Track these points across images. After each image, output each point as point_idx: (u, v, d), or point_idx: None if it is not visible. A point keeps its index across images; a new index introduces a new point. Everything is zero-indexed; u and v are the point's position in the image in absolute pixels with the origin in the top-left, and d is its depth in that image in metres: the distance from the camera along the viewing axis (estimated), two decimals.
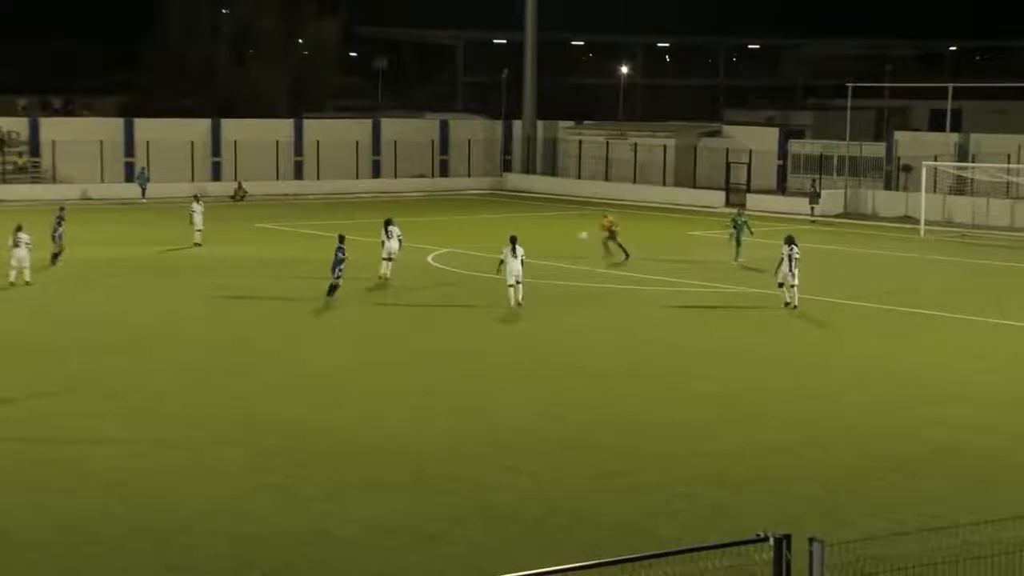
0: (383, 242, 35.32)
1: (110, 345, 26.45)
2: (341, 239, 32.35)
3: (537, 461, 18.44)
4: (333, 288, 31.79)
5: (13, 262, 33.76)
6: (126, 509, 16.15)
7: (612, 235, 40.94)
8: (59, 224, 37.75)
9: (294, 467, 18.01)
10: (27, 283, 33.67)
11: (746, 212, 44.01)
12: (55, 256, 37.20)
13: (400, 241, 35.56)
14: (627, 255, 40.23)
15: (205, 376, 23.70)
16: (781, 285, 31.75)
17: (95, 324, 28.91)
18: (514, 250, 31.11)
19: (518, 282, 31.09)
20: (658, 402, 22.23)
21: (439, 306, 32.47)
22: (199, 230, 42.88)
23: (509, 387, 23.24)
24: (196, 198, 44.79)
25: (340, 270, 31.74)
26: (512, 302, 31.10)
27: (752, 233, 41.25)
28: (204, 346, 26.48)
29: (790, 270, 31.27)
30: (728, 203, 62.36)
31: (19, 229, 33.97)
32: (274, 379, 23.50)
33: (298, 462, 18.27)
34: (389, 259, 35.20)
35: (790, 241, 31.78)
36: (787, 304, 31.44)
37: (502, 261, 31.34)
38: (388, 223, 35.66)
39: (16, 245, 33.73)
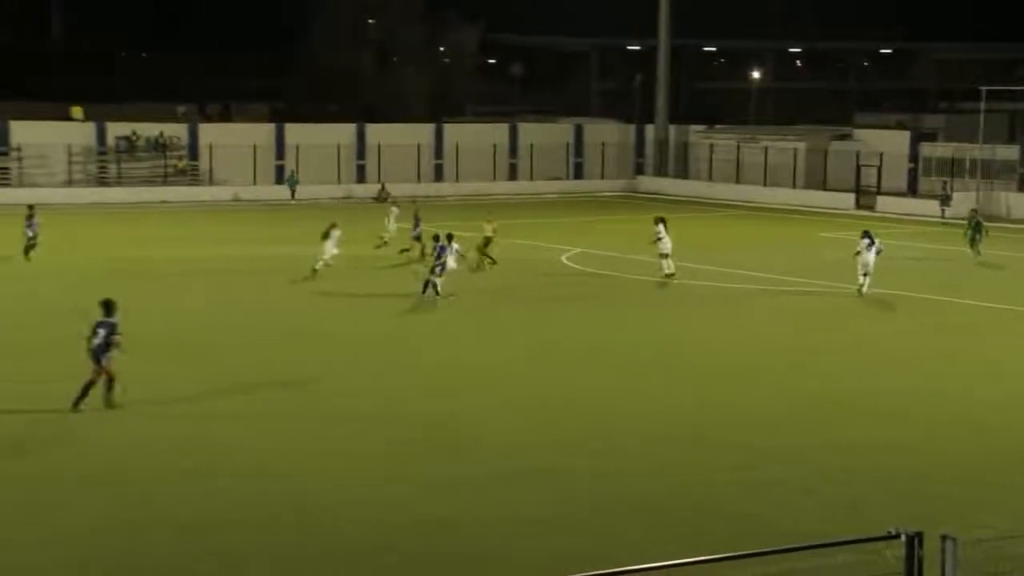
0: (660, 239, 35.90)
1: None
2: (449, 238, 32.68)
3: (665, 456, 18.32)
4: (430, 284, 31.72)
5: (325, 255, 35.26)
6: (277, 490, 16.47)
7: (487, 242, 38.09)
8: (417, 225, 39.65)
9: (433, 456, 18.18)
10: (327, 265, 35.27)
11: (979, 213, 43.36)
12: (421, 253, 38.66)
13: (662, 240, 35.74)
14: (493, 261, 37.59)
15: (355, 370, 24.07)
16: (866, 275, 33.02)
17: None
18: (449, 245, 32.37)
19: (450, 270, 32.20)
20: (783, 399, 21.91)
21: (570, 304, 32.46)
22: (388, 232, 42.60)
23: (632, 384, 23.12)
24: (395, 202, 45.00)
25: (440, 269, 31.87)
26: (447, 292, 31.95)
27: (987, 233, 41.33)
28: (352, 342, 26.89)
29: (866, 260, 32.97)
30: (858, 205, 61.19)
31: (334, 226, 35.78)
32: (419, 374, 23.73)
33: (437, 452, 18.45)
34: (667, 256, 35.75)
35: (867, 235, 33.47)
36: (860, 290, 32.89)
37: (461, 255, 32.73)
38: (661, 221, 36.19)
39: (326, 238, 35.55)
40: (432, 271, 31.98)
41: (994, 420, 20.62)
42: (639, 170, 74.43)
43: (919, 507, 15.96)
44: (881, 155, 63.50)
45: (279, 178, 65.18)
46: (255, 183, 64.59)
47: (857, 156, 64.50)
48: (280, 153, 66.43)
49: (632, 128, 76.25)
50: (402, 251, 39.36)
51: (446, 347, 26.27)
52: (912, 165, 65.23)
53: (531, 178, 70.83)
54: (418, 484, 16.82)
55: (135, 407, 20.45)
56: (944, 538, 9.35)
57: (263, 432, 19.45)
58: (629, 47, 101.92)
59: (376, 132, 68.36)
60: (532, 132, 72.85)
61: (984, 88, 60.20)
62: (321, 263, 35.26)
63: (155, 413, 20.34)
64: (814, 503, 16.21)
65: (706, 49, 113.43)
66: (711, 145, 72.31)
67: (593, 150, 73.46)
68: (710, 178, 71.02)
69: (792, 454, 18.46)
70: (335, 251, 35.52)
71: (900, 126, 74.05)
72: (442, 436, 19.33)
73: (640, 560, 8.63)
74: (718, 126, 76.31)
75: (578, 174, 73.34)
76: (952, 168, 62.05)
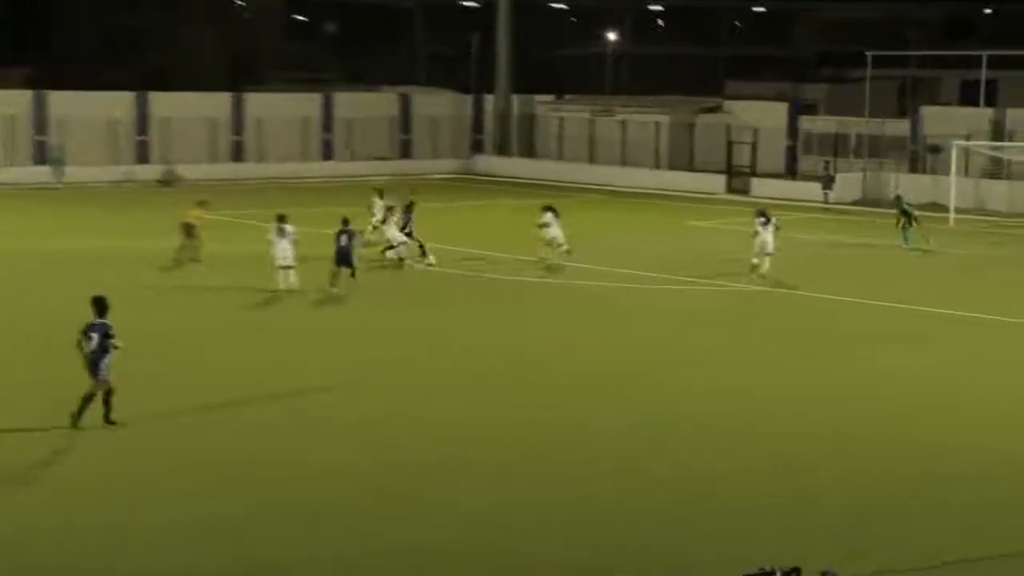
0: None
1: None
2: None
3: (519, 483, 18.44)
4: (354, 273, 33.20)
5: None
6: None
7: (189, 230, 37.17)
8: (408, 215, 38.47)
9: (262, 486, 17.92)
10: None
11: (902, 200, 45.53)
12: (422, 248, 37.82)
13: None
14: (196, 260, 36.80)
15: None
16: (766, 254, 35.94)
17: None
18: (281, 230, 32.45)
19: (287, 266, 32.30)
20: (660, 413, 22.25)
21: (403, 304, 32.51)
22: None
23: (483, 396, 23.19)
24: (378, 189, 43.25)
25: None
26: (281, 285, 32.26)
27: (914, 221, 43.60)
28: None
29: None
30: (730, 189, 62.51)
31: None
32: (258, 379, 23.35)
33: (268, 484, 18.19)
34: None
35: (762, 214, 36.58)
36: (755, 268, 35.65)
37: (270, 242, 32.70)
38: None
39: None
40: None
41: (899, 436, 21.19)
42: (477, 148, 74.72)
43: (808, 538, 16.32)
44: (756, 131, 64.99)
45: (41, 157, 63.50)
46: (10, 164, 62.78)
47: (728, 131, 65.91)
48: (41, 127, 64.70)
49: (468, 99, 76.45)
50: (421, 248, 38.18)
51: (280, 351, 25.98)
52: (790, 142, 66.97)
53: (349, 158, 70.48)
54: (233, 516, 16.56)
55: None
56: (824, 574, 9.59)
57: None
58: (464, 3, 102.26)
59: (162, 103, 67.17)
60: (350, 103, 72.54)
61: (870, 53, 62.14)
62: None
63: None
64: (692, 536, 16.46)
65: (554, 6, 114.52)
66: (560, 119, 73.05)
67: (423, 125, 73.48)
68: (560, 157, 71.75)
69: (669, 478, 18.71)
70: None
71: (778, 97, 75.91)
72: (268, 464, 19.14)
73: None
74: (568, 97, 77.14)
75: (405, 153, 73.27)
76: (836, 145, 63.89)
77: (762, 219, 36.20)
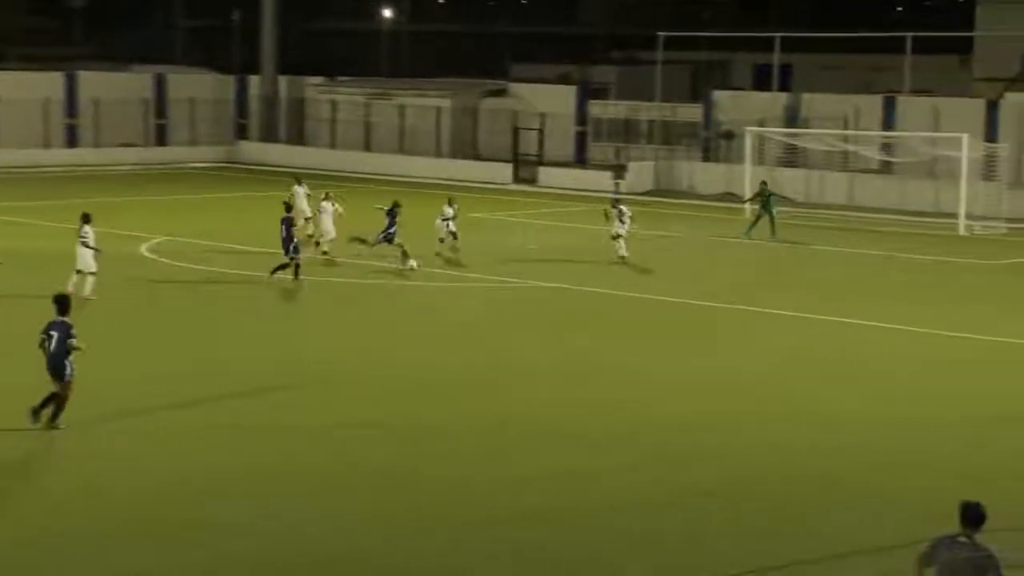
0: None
1: None
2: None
3: (337, 503, 18.43)
4: (284, 267, 34.61)
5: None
6: None
7: None
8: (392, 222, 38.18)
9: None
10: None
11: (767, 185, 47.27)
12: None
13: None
14: None
15: None
16: (615, 238, 39.39)
17: None
18: (80, 230, 31.96)
19: (80, 271, 31.62)
20: (459, 421, 22.55)
21: (167, 312, 32.12)
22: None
23: (289, 407, 23.23)
24: (297, 179, 43.50)
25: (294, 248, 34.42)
26: (69, 288, 31.19)
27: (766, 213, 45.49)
28: None
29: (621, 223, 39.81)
30: (517, 179, 63.12)
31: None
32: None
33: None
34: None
35: (617, 205, 40.84)
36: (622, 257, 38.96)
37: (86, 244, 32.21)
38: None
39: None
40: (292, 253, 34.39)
41: (689, 442, 21.67)
42: (241, 134, 74.16)
43: (612, 546, 16.69)
44: (543, 116, 65.75)
45: None
46: None
47: (514, 117, 66.56)
48: None
49: (231, 80, 75.94)
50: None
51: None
52: (580, 128, 67.95)
53: (97, 144, 69.53)
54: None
55: None
56: None
57: None
58: None
59: None
60: (97, 84, 71.37)
61: (662, 34, 63.35)
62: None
63: None
64: (505, 550, 16.71)
65: None
66: (333, 103, 72.88)
67: (180, 108, 72.77)
68: (332, 144, 71.60)
69: (465, 490, 18.97)
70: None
71: (565, 79, 76.89)
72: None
73: None
74: (341, 78, 76.92)
75: (160, 139, 72.67)
76: (627, 132, 65.00)
77: (624, 209, 40.27)
